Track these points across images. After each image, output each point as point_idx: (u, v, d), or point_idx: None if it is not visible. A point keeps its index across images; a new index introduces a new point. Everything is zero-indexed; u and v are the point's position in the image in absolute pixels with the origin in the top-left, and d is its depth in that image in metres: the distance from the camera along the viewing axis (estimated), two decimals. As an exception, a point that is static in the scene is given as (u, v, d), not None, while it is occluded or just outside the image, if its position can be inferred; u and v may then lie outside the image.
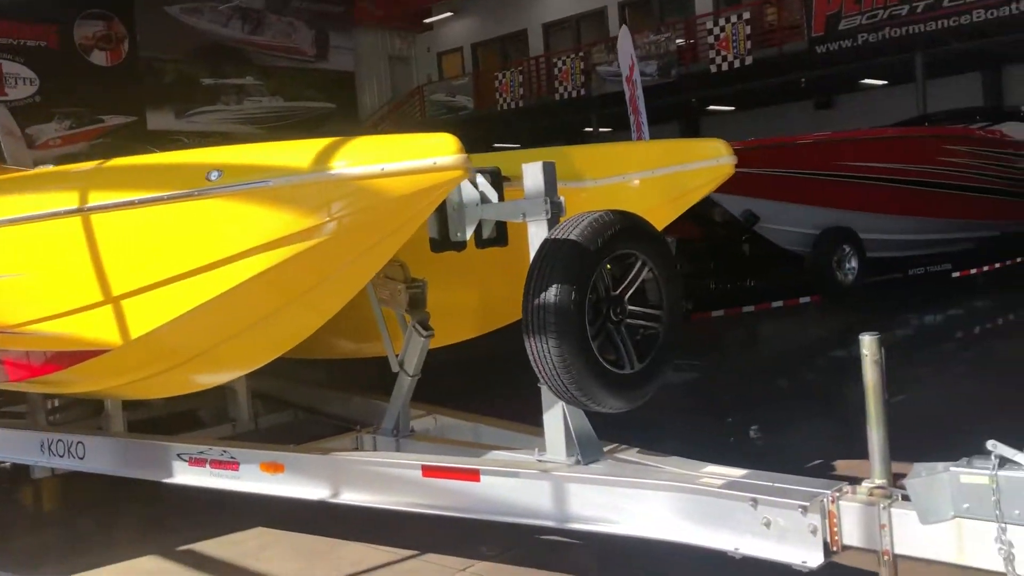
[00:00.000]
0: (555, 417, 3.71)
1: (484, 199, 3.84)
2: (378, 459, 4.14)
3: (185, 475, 4.72)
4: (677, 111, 24.19)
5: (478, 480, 3.75)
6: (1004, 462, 2.61)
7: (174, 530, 5.02)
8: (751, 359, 9.49)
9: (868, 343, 2.94)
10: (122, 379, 4.23)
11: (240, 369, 4.35)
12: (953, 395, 7.15)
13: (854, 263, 11.23)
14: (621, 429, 4.00)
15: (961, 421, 6.10)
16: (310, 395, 6.47)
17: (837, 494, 2.95)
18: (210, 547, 4.80)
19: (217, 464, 4.61)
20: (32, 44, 22.44)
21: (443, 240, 3.84)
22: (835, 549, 2.93)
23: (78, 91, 22.60)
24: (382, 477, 4.07)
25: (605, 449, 3.81)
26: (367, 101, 28.68)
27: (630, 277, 3.57)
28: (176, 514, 5.27)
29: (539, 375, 3.42)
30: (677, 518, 3.25)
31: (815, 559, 2.92)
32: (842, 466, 5.03)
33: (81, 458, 5.27)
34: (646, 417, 7.05)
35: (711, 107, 24.83)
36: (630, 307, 3.60)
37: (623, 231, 3.46)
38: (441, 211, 3.81)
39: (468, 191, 3.84)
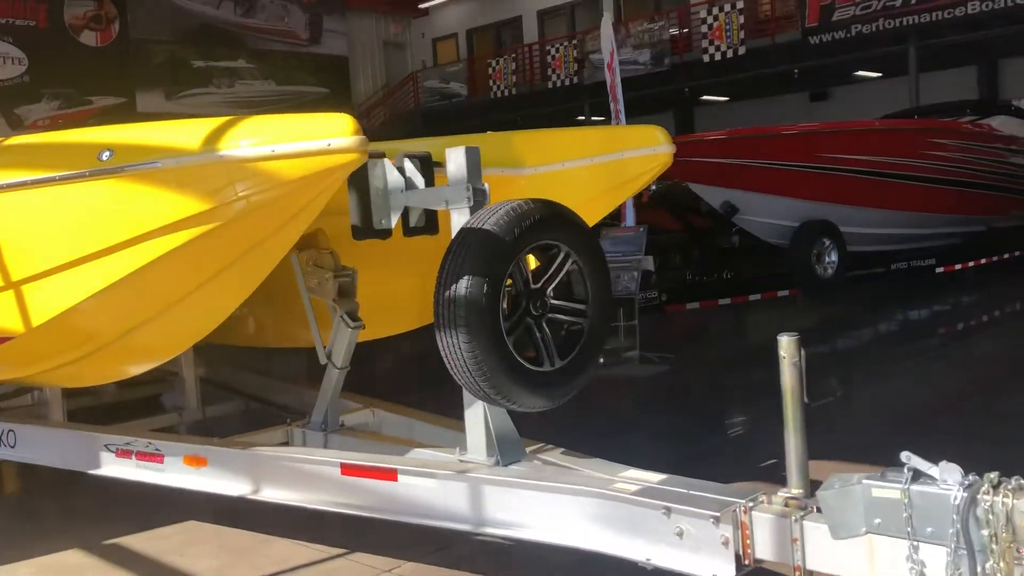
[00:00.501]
0: (475, 416, 3.55)
1: (410, 185, 3.67)
2: (298, 455, 3.98)
3: (112, 467, 4.57)
4: (671, 101, 23.95)
5: (396, 480, 3.59)
6: (918, 475, 2.43)
7: (101, 522, 4.88)
8: (723, 353, 9.31)
9: (786, 344, 2.77)
10: (33, 367, 4.07)
11: (159, 356, 4.17)
12: (916, 394, 7.01)
13: (834, 257, 11.03)
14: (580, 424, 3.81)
15: (922, 420, 5.98)
16: (262, 385, 6.32)
17: (751, 504, 2.78)
18: (135, 541, 4.66)
19: (143, 456, 4.46)
20: (21, 23, 22.18)
21: (365, 227, 3.67)
22: (747, 563, 2.77)
23: (67, 71, 22.34)
24: (302, 474, 3.92)
25: (530, 449, 3.65)
26: (361, 86, 28.40)
27: (552, 269, 3.40)
28: (104, 505, 5.12)
29: (451, 372, 3.25)
30: (590, 524, 3.09)
31: (726, 573, 2.76)
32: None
33: (12, 446, 5.11)
34: (611, 412, 6.98)
35: (705, 97, 24.56)
36: (553, 301, 3.43)
37: (544, 220, 3.28)
38: (363, 197, 3.64)
39: (394, 177, 3.67)
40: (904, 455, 2.46)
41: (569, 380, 3.40)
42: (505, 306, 3.32)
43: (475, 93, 26.40)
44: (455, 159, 3.49)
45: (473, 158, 3.50)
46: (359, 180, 3.62)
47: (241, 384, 6.39)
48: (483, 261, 3.11)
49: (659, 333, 9.81)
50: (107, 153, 3.03)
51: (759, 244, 11.14)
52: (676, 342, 9.57)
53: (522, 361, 3.24)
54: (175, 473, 4.33)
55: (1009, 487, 2.26)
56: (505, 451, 3.50)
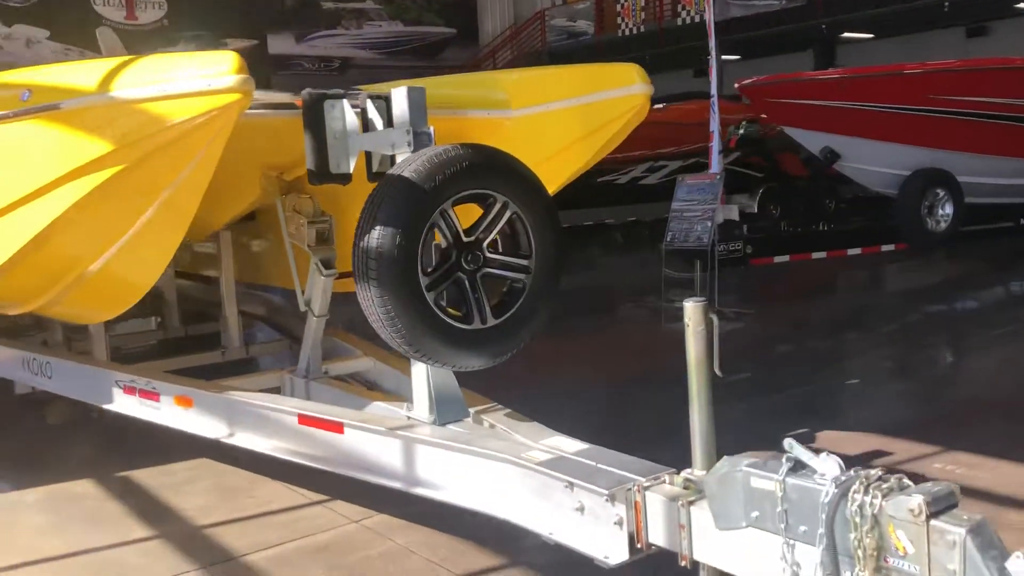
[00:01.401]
0: (418, 373, 3.42)
1: (370, 127, 3.52)
2: (264, 403, 3.96)
3: (120, 402, 4.71)
4: (808, 39, 22.54)
5: (342, 432, 3.52)
6: (799, 467, 2.13)
7: (122, 455, 5.05)
8: (806, 312, 8.72)
9: (691, 311, 2.49)
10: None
11: (120, 298, 4.12)
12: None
13: (948, 209, 10.11)
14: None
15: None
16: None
17: (646, 484, 2.54)
18: (143, 475, 4.80)
19: (144, 394, 4.57)
20: (163, -32, 23.10)
21: (321, 172, 3.54)
22: (641, 546, 2.54)
23: (203, 15, 23.14)
24: (267, 422, 3.91)
25: (476, 408, 3.49)
26: (488, 26, 28.17)
27: (487, 221, 3.18)
28: (132, 440, 5.30)
29: (373, 326, 3.12)
30: (502, 492, 2.92)
31: (618, 555, 2.55)
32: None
33: (49, 377, 5.36)
34: (656, 366, 6.66)
35: (847, 34, 22.99)
36: (491, 255, 3.22)
37: (473, 168, 3.07)
38: (319, 139, 3.52)
39: (351, 119, 3.53)
40: (787, 442, 2.16)
41: (503, 339, 3.20)
42: (438, 259, 3.15)
43: (602, 31, 25.69)
44: (398, 100, 3.31)
45: (416, 98, 3.31)
46: (314, 122, 3.50)
47: (284, 324, 6.47)
48: (397, 211, 2.94)
49: (741, 287, 9.36)
50: (26, 93, 3.02)
51: (860, 193, 10.34)
52: (758, 297, 9.08)
53: (445, 318, 3.07)
54: (168, 411, 4.41)
55: (884, 486, 1.94)
56: (444, 410, 3.36)
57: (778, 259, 9.86)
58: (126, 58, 2.94)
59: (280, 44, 24.58)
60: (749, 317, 8.13)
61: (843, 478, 2.02)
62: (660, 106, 18.69)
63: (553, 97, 3.94)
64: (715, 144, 9.13)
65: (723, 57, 23.39)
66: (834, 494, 1.99)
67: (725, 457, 2.36)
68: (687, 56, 24.12)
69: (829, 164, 9.85)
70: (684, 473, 2.54)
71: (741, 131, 11.24)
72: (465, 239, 3.16)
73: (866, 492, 1.94)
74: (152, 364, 6.20)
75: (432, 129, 3.38)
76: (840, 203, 12.10)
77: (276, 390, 4.60)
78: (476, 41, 27.32)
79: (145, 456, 4.98)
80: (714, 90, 9.30)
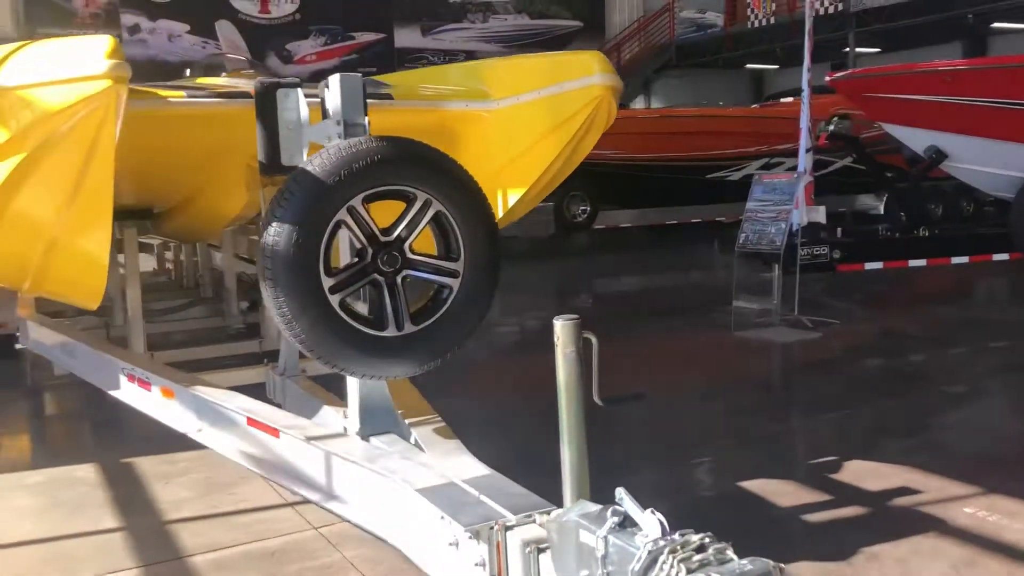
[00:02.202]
0: (351, 380, 3.22)
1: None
2: (220, 401, 3.84)
3: (122, 389, 4.73)
4: (956, 29, 21.03)
5: (278, 437, 3.37)
6: (628, 522, 1.81)
7: (133, 442, 5.09)
8: (897, 324, 8.01)
9: (562, 329, 2.17)
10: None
11: (77, 285, 4.02)
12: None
13: (1075, 217, 9.09)
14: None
15: None
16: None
17: (513, 522, 2.25)
18: (145, 463, 4.82)
19: (140, 383, 4.56)
20: (296, -37, 23.75)
21: (271, 164, 3.39)
22: (502, 591, 2.25)
23: (333, 9, 23.69)
24: (225, 420, 3.80)
25: (412, 420, 3.26)
26: (615, 18, 27.64)
27: (406, 220, 2.93)
28: (145, 426, 5.34)
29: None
30: (392, 515, 2.69)
31: (480, 599, 2.27)
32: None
33: (75, 359, 5.47)
34: (700, 380, 6.24)
35: (997, 24, 21.32)
36: (413, 257, 2.97)
37: (387, 162, 2.83)
38: (271, 131, 3.37)
39: (305, 111, 3.36)
40: (619, 492, 1.84)
41: (420, 349, 2.94)
42: (353, 259, 2.94)
43: (731, 23, 24.78)
44: (332, 90, 3.12)
45: (350, 89, 3.10)
46: (267, 112, 3.36)
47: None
48: (296, 207, 2.74)
49: (827, 294, 8.72)
50: None
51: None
52: (841, 307, 8.42)
53: (353, 323, 2.85)
54: (156, 401, 4.39)
55: (695, 558, 1.60)
56: (369, 420, 3.15)
57: (869, 266, 9.11)
58: (18, 44, 2.87)
59: (406, 37, 24.90)
60: (828, 328, 7.53)
61: (662, 542, 1.68)
62: (788, 100, 17.86)
63: (525, 88, 3.65)
64: (803, 141, 8.50)
65: (860, 50, 22.24)
66: (643, 561, 1.66)
67: (581, 499, 2.05)
68: (822, 49, 22.98)
69: (935, 165, 9.03)
70: (556, 513, 2.23)
71: (831, 127, 10.47)
72: (383, 238, 2.92)
73: (674, 563, 1.60)
74: (188, 351, 6.27)
75: (367, 121, 3.17)
76: (985, 205, 11.18)
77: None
78: (603, 34, 26.88)
79: (152, 443, 4.99)
80: (805, 84, 8.65)
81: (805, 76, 8.61)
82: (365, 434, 3.15)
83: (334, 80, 3.11)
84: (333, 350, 2.83)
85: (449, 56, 25.40)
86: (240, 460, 3.68)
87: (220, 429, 3.85)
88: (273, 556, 3.65)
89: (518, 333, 8.62)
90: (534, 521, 2.26)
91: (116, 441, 5.27)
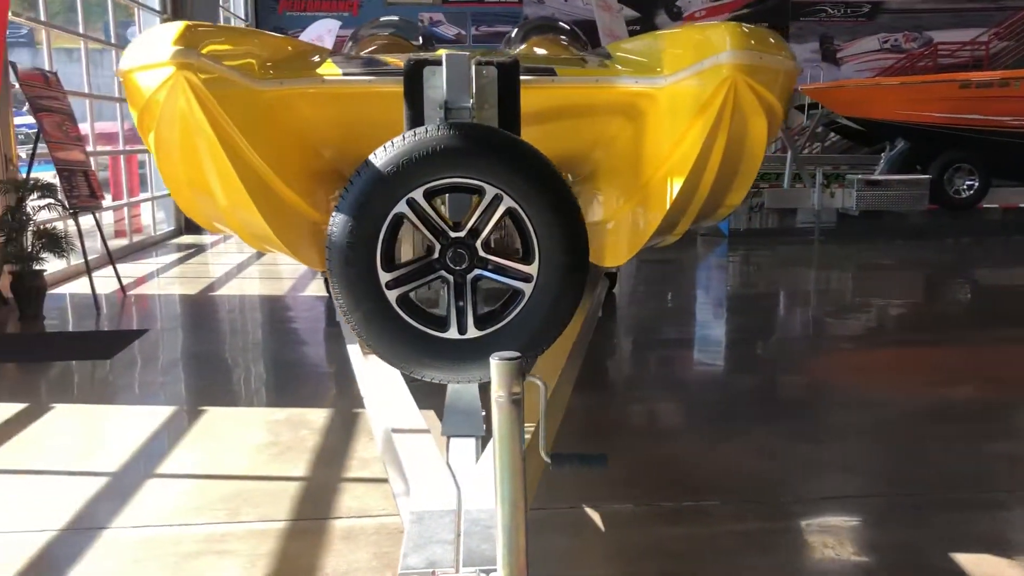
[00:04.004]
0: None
1: None
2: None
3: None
4: None
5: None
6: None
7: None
8: None
9: (497, 370, 1.86)
10: None
11: None
12: None
13: None
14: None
15: None
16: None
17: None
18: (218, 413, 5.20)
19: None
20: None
21: None
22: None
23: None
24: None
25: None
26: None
27: (477, 216, 2.69)
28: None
29: None
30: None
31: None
32: None
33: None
34: None
35: None
36: (487, 256, 2.73)
37: (451, 152, 2.61)
38: (416, 111, 3.29)
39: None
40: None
41: (480, 356, 2.70)
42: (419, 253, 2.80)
43: None
44: (433, 72, 2.97)
45: (457, 67, 2.94)
46: (413, 91, 3.29)
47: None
48: (353, 199, 2.65)
49: None
50: None
51: None
52: None
53: (411, 321, 2.70)
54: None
55: None
56: (451, 421, 3.01)
57: None
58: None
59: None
60: None
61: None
62: None
63: (683, 63, 3.14)
64: None
65: None
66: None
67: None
68: None
69: None
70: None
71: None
72: (452, 234, 2.72)
73: None
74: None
75: (472, 103, 2.95)
76: None
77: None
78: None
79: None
80: None
81: None
82: (446, 433, 3.00)
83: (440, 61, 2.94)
84: (387, 346, 2.72)
85: (850, 7, 23.45)
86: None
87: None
88: (397, 535, 3.65)
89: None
90: (474, 577, 1.99)
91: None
